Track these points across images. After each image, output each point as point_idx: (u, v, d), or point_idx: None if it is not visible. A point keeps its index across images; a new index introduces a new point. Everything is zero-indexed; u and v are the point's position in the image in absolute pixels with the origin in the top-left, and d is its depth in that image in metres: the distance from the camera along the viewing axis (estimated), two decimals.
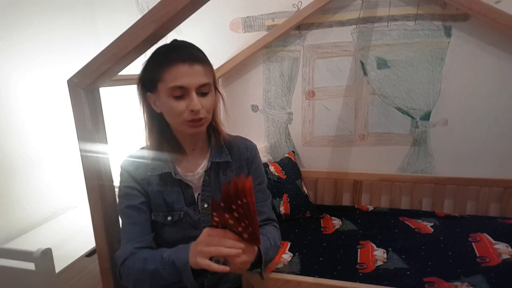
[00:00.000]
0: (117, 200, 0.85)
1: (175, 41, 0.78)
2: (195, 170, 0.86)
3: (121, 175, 0.85)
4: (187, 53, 0.74)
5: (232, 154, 0.88)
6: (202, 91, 0.76)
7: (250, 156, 0.91)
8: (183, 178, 0.84)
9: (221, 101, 0.89)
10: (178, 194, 0.84)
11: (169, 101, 0.74)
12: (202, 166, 0.86)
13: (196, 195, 0.86)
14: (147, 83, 0.79)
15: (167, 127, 0.83)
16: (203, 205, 0.85)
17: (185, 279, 0.70)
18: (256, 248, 0.70)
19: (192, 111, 0.74)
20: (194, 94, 0.74)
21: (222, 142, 0.88)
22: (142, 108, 0.83)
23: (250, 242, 0.65)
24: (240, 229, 0.63)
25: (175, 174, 0.83)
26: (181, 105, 0.74)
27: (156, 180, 0.83)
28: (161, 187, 0.83)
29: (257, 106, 1.94)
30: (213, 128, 0.88)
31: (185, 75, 0.73)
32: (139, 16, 0.66)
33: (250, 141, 0.94)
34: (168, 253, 0.73)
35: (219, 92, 0.85)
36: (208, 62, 0.78)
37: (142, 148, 0.88)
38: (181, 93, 0.74)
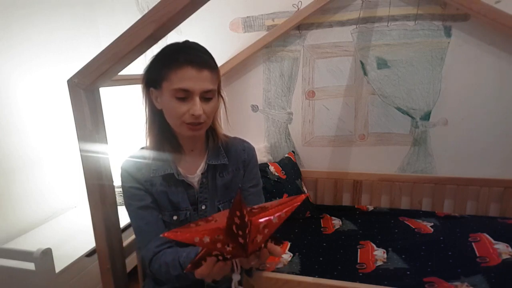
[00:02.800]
0: (124, 202, 0.85)
1: (187, 42, 0.78)
2: (194, 172, 0.86)
3: (123, 176, 0.84)
4: (197, 56, 0.74)
5: (229, 156, 0.88)
6: (205, 96, 0.76)
7: (247, 158, 0.91)
8: (185, 179, 0.84)
9: (222, 104, 0.89)
10: (183, 194, 0.84)
11: (172, 101, 0.75)
12: (200, 168, 0.86)
13: (196, 196, 0.86)
14: (152, 79, 0.78)
15: (167, 125, 0.83)
16: (201, 207, 0.85)
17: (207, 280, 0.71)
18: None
19: (193, 115, 0.74)
20: (197, 99, 0.74)
21: (219, 144, 0.88)
22: (144, 102, 0.83)
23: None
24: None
25: (178, 175, 0.83)
26: (183, 107, 0.74)
27: (159, 181, 0.83)
28: (165, 187, 0.83)
29: (257, 106, 1.94)
30: (211, 130, 0.88)
31: (192, 79, 0.73)
32: (139, 16, 0.66)
33: (248, 143, 0.94)
34: (183, 259, 0.74)
35: (221, 96, 0.85)
36: (216, 68, 0.78)
37: (142, 148, 0.87)
38: (185, 95, 0.74)
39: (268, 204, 0.60)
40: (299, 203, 0.59)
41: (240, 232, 0.57)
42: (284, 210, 0.58)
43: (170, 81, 0.73)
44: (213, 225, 0.58)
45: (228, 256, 0.59)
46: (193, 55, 0.74)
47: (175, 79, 0.73)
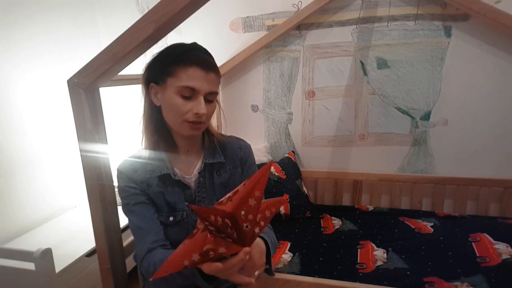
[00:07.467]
0: (121, 202, 0.85)
1: (195, 44, 0.79)
2: (191, 172, 0.86)
3: (119, 177, 0.84)
4: (206, 59, 0.76)
5: (225, 155, 0.88)
6: (209, 98, 0.77)
7: (244, 156, 0.91)
8: (182, 179, 0.84)
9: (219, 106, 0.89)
10: (179, 195, 0.84)
11: (176, 98, 0.75)
12: (197, 168, 0.86)
13: (194, 196, 0.86)
14: (155, 73, 0.78)
15: (164, 122, 0.83)
16: None
17: (197, 283, 0.70)
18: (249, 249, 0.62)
19: (196, 114, 0.75)
20: (202, 99, 0.75)
21: (215, 143, 0.88)
22: (143, 98, 0.83)
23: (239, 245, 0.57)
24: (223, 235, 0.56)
25: (175, 175, 0.83)
26: (187, 105, 0.75)
27: (156, 182, 0.83)
28: (161, 188, 0.83)
29: (257, 106, 1.94)
30: (207, 131, 0.89)
31: (200, 78, 0.74)
32: (139, 16, 0.66)
33: (244, 141, 0.94)
34: None
35: (217, 101, 0.86)
36: (219, 73, 0.81)
37: (139, 150, 0.87)
38: (190, 94, 0.75)
39: (239, 187, 0.58)
40: (268, 172, 0.58)
41: (223, 235, 0.54)
42: (257, 189, 0.56)
43: (177, 77, 0.74)
44: (197, 238, 0.55)
45: (228, 256, 0.56)
46: (201, 57, 0.76)
47: (183, 76, 0.73)
